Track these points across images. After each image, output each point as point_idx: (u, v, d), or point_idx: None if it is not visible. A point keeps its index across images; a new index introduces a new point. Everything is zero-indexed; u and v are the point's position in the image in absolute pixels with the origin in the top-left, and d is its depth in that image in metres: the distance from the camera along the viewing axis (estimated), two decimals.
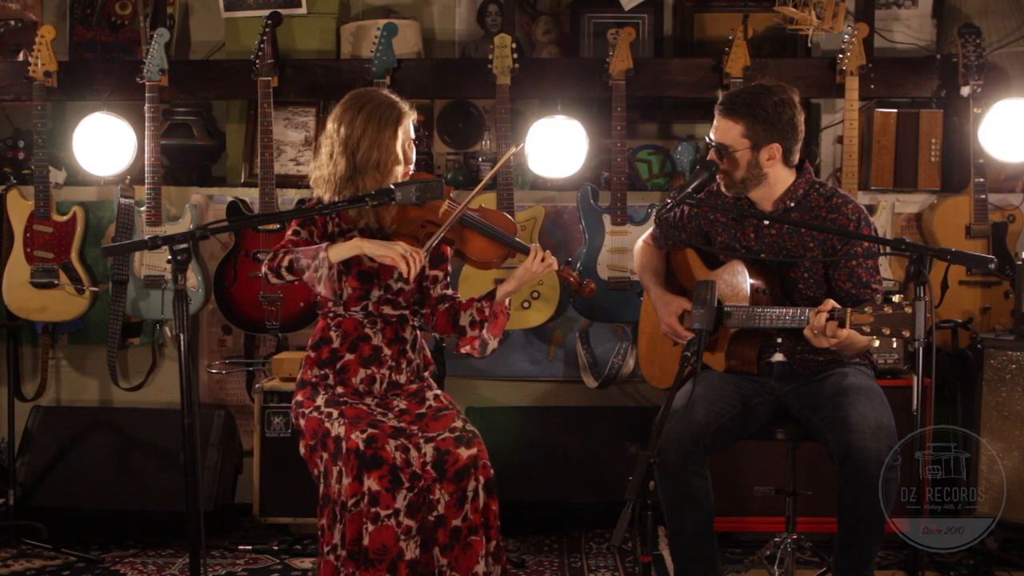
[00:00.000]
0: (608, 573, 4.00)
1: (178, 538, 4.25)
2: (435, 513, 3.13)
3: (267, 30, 4.39)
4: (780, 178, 3.36)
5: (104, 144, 4.50)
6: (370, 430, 3.12)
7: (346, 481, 3.08)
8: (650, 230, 3.74)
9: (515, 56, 4.32)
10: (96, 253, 4.53)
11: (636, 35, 4.40)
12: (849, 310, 3.02)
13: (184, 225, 4.43)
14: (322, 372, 3.33)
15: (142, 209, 4.42)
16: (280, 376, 4.32)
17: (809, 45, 4.65)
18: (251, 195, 4.49)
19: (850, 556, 3.21)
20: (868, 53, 4.34)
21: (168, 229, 4.39)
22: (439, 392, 3.42)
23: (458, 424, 3.24)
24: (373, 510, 3.04)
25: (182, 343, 2.84)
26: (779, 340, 3.34)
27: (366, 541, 3.05)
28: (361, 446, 3.08)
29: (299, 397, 3.33)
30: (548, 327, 4.61)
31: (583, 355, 4.60)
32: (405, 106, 3.32)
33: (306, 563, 4.05)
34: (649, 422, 4.33)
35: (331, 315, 3.37)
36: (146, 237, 3.03)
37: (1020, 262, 4.03)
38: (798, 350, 3.34)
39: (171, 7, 4.85)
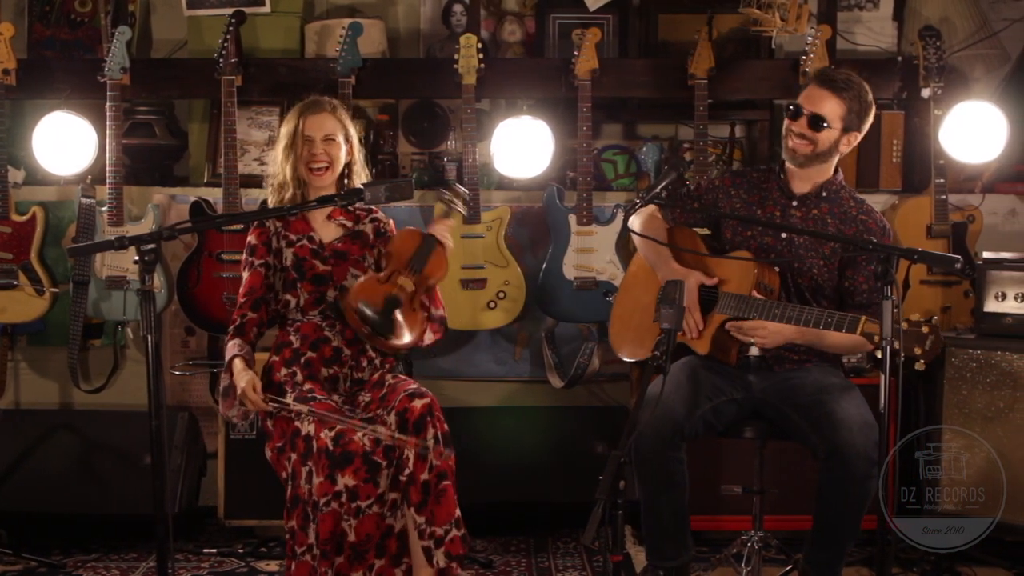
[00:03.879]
0: (576, 573, 4.00)
1: (141, 541, 4.20)
2: (406, 472, 3.15)
3: (231, 28, 4.34)
4: (831, 166, 3.44)
5: (64, 143, 4.43)
6: (338, 427, 3.13)
7: (317, 480, 3.08)
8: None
9: (481, 56, 4.31)
10: (56, 253, 4.47)
11: (601, 36, 4.40)
12: (863, 318, 3.07)
13: (146, 225, 4.37)
14: (290, 371, 3.35)
15: (103, 209, 4.36)
16: None
17: (773, 47, 4.69)
18: (214, 195, 4.44)
19: (824, 551, 3.26)
20: (831, 55, 4.38)
21: (130, 229, 4.34)
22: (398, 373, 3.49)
23: (412, 386, 3.30)
24: (354, 505, 3.06)
25: (150, 344, 2.81)
26: None
27: (352, 537, 3.08)
28: (330, 445, 3.08)
29: None
30: (514, 327, 4.61)
31: (549, 355, 4.60)
32: (335, 102, 3.60)
33: (272, 566, 4.03)
34: (615, 422, 4.36)
35: (290, 321, 3.45)
36: (111, 237, 2.98)
37: (980, 262, 4.09)
38: None
39: (132, 5, 4.79)
